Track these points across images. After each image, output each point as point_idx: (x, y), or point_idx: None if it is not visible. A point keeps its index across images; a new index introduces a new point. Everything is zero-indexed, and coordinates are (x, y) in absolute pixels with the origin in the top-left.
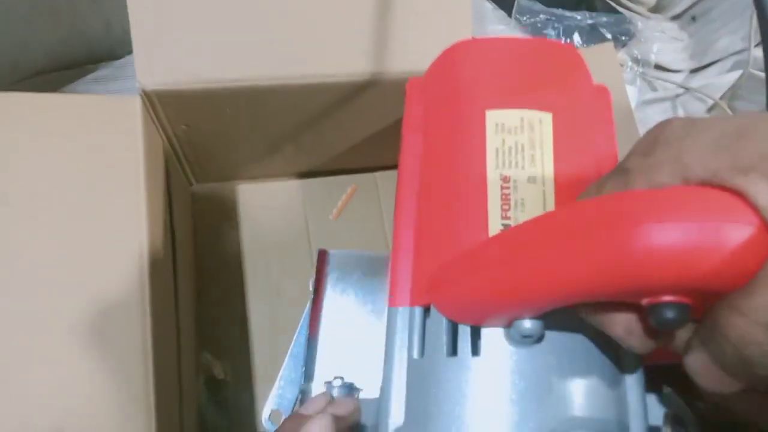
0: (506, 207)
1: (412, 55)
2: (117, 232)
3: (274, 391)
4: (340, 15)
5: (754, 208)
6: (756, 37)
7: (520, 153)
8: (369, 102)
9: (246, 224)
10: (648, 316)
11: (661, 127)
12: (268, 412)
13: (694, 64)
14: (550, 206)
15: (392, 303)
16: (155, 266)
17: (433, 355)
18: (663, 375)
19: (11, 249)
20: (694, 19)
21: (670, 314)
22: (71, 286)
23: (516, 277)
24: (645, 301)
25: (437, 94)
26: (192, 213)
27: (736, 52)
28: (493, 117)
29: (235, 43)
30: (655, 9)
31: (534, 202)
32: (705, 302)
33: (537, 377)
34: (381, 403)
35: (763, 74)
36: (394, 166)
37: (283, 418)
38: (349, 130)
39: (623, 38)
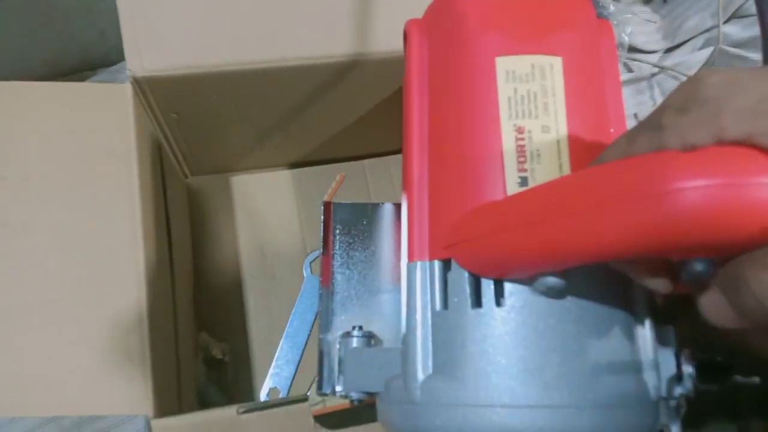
0: (522, 159)
1: (396, 35)
2: (111, 213)
3: (272, 370)
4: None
5: None
6: (724, 14)
7: (532, 102)
8: (353, 84)
9: (240, 213)
10: (678, 270)
11: (697, 82)
12: (267, 390)
13: (667, 44)
14: (565, 157)
15: (411, 257)
16: (150, 248)
17: (458, 307)
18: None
19: (8, 230)
20: (665, 1)
21: (699, 267)
22: (66, 267)
23: (548, 237)
24: (675, 257)
25: (441, 39)
26: (188, 203)
27: (706, 30)
28: (504, 64)
29: (221, 29)
30: None
31: (549, 152)
32: (730, 252)
33: (560, 327)
34: (408, 355)
35: (733, 49)
36: (381, 154)
37: (281, 395)
38: (335, 114)
39: None
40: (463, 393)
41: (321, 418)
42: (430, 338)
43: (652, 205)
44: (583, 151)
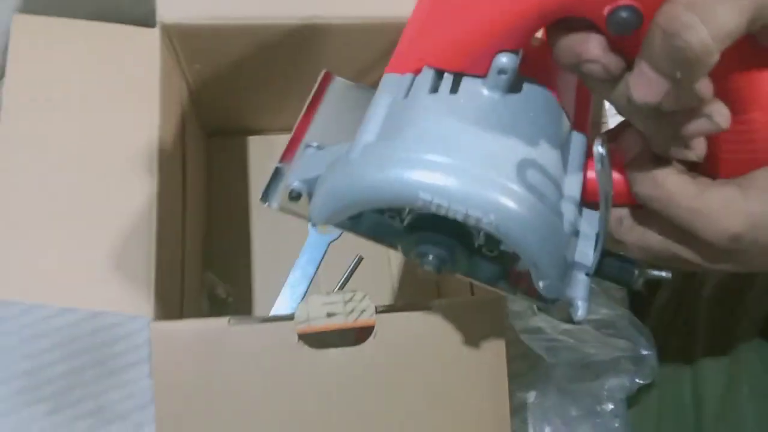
0: None
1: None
2: (130, 140)
3: (271, 314)
4: None
5: None
6: None
7: None
8: (370, 47)
9: (254, 169)
10: (607, 24)
11: None
12: None
13: None
14: None
15: (388, 70)
16: (164, 187)
17: (416, 94)
18: None
19: (35, 146)
20: None
21: (624, 14)
22: (85, 180)
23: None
24: (606, 10)
25: None
26: (205, 155)
27: None
28: None
29: None
30: None
31: None
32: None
33: (503, 118)
34: (358, 133)
35: None
36: None
37: None
38: (356, 75)
39: None
40: (396, 148)
41: (304, 337)
42: (381, 119)
43: None
44: None
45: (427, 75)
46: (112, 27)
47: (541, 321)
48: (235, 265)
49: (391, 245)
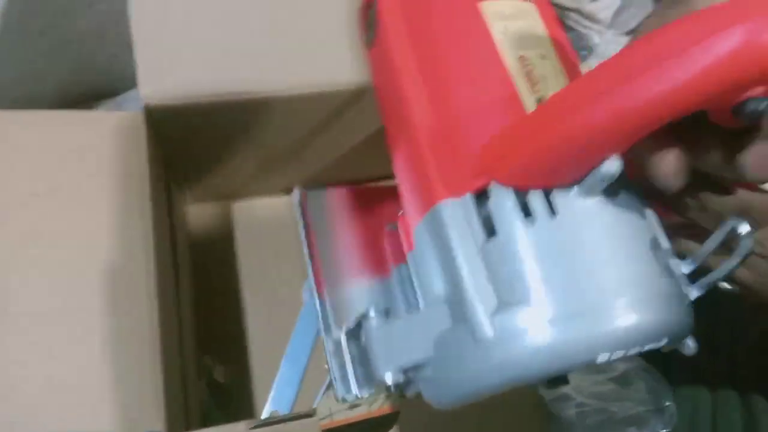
0: (531, 83)
1: None
2: (125, 238)
3: (273, 393)
4: (330, 28)
5: None
6: None
7: (525, 36)
8: (355, 113)
9: (241, 237)
10: (736, 113)
11: None
12: (268, 413)
13: None
14: (564, 81)
15: (433, 200)
16: (161, 273)
17: (508, 230)
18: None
19: (26, 253)
20: None
21: (761, 106)
22: (85, 280)
23: (617, 106)
24: (735, 100)
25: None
26: (189, 228)
27: None
28: (488, 7)
29: (230, 58)
30: (610, 26)
31: (553, 77)
32: None
33: (610, 219)
34: (463, 299)
35: None
36: (379, 178)
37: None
38: (336, 141)
39: (583, 53)
40: (539, 313)
41: None
42: (482, 273)
43: (723, 38)
44: (578, 76)
45: (507, 200)
46: (81, 114)
47: (567, 388)
48: (228, 342)
49: None
